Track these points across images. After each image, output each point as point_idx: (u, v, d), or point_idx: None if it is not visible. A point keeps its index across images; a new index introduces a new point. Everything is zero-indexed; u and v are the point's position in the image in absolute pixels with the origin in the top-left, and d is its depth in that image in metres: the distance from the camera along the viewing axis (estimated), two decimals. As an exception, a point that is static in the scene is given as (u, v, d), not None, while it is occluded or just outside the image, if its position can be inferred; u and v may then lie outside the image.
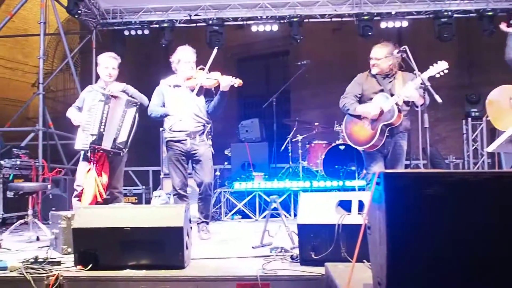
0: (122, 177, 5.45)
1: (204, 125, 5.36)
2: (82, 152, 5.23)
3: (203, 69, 5.35)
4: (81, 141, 5.08)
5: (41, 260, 3.70)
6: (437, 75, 4.81)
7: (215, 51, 5.37)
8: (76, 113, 5.23)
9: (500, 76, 5.83)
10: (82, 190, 5.02)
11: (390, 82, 5.08)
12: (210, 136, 5.42)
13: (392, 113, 4.89)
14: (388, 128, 4.96)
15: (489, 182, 2.25)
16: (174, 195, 5.44)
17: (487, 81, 9.75)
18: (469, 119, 9.99)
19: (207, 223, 5.48)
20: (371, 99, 5.06)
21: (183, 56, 5.32)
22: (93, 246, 3.56)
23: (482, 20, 9.18)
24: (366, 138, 5.04)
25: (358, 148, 5.22)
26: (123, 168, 5.44)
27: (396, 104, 4.88)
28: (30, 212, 5.64)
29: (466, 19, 9.60)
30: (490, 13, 9.08)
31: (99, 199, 4.96)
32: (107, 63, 5.32)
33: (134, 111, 5.16)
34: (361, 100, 5.16)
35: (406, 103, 4.97)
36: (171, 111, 5.31)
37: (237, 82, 5.12)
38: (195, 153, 5.30)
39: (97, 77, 5.48)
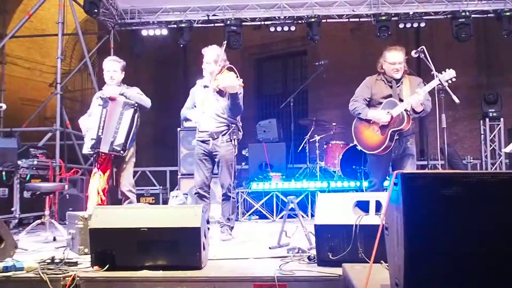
0: (131, 176, 5.49)
1: (228, 125, 5.33)
2: (93, 158, 5.36)
3: (231, 69, 5.33)
4: (85, 146, 5.27)
5: (58, 260, 3.71)
6: (445, 83, 4.82)
7: (224, 43, 5.37)
8: (83, 120, 5.40)
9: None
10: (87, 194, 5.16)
11: (398, 86, 5.15)
12: (235, 137, 5.36)
13: (401, 119, 4.97)
14: (397, 133, 5.05)
15: (507, 183, 2.23)
16: (195, 193, 5.45)
17: (505, 81, 9.67)
18: (487, 119, 9.87)
19: (230, 227, 5.43)
20: (380, 103, 5.14)
21: (205, 56, 5.35)
22: (109, 246, 3.57)
23: (500, 20, 9.11)
24: (376, 143, 5.11)
25: (368, 152, 5.24)
26: (131, 168, 5.47)
27: (405, 110, 4.96)
28: (47, 212, 5.68)
29: (484, 19, 9.53)
30: (507, 13, 9.01)
31: (100, 202, 5.06)
32: (108, 66, 5.41)
33: (131, 112, 5.22)
34: (370, 103, 5.22)
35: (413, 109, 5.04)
36: (194, 114, 5.38)
37: (239, 82, 5.04)
38: (216, 154, 5.31)
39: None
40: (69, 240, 4.64)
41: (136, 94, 5.39)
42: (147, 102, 5.42)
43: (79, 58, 10.42)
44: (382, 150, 5.06)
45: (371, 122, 5.14)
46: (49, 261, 3.70)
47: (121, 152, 5.18)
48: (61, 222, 5.98)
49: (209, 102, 5.31)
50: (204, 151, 5.34)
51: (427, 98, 4.97)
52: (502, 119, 9.74)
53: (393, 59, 5.12)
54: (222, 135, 5.30)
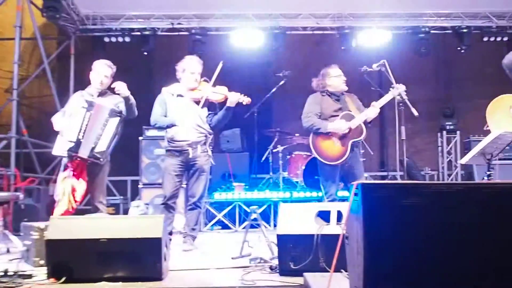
0: (105, 188, 5.33)
1: (206, 136, 5.32)
2: (63, 161, 5.12)
3: (206, 81, 5.33)
4: (59, 147, 4.98)
5: (11, 273, 3.60)
6: (398, 97, 5.03)
7: (220, 64, 5.32)
8: (60, 117, 5.11)
9: (474, 90, 5.97)
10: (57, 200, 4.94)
11: (343, 100, 5.46)
12: (211, 147, 5.39)
13: (360, 130, 5.26)
14: (355, 144, 5.33)
15: (462, 193, 2.31)
16: (161, 204, 5.34)
17: (461, 96, 9.98)
18: (444, 132, 10.23)
19: (193, 237, 5.38)
20: (331, 116, 5.36)
21: (189, 66, 5.30)
22: (67, 258, 3.50)
23: (458, 36, 9.42)
24: (337, 154, 5.29)
25: (329, 163, 5.34)
26: (105, 178, 5.32)
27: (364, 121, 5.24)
28: (0, 223, 5.46)
29: (442, 35, 9.80)
30: (465, 30, 9.33)
31: (70, 209, 4.88)
32: (101, 70, 5.25)
33: (117, 121, 5.08)
34: (320, 118, 5.41)
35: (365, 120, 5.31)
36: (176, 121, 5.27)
37: (246, 100, 5.16)
38: (194, 164, 5.26)
39: (87, 83, 5.37)
40: (24, 252, 4.50)
41: (131, 107, 5.24)
42: (135, 114, 5.29)
43: (38, 63, 10.10)
44: (343, 160, 5.26)
45: (330, 134, 5.31)
46: (2, 273, 3.58)
47: (101, 160, 5.01)
48: (15, 233, 5.79)
49: (188, 112, 5.25)
50: (180, 161, 5.25)
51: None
52: (458, 132, 10.10)
53: (338, 72, 5.49)
54: (201, 145, 5.27)
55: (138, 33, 9.44)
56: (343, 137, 5.29)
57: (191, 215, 5.37)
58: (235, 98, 5.11)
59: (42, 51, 9.04)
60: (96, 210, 5.14)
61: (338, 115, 5.36)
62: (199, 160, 5.24)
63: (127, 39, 9.43)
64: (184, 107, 5.27)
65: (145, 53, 9.40)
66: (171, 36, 9.77)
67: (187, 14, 9.44)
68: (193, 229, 5.37)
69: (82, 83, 5.74)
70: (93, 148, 4.94)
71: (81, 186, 4.97)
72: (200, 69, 5.35)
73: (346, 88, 5.49)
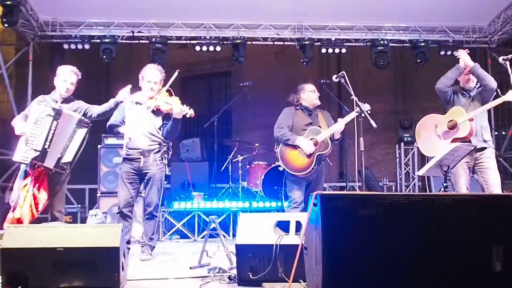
0: (64, 197, 5.27)
1: (160, 144, 5.32)
2: (22, 167, 5.01)
3: (169, 91, 5.35)
4: (22, 154, 4.85)
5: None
6: (362, 115, 5.14)
7: (175, 74, 5.37)
8: (21, 122, 5.00)
9: (430, 103, 6.14)
10: (12, 208, 4.81)
11: (315, 115, 5.72)
12: (166, 156, 5.39)
13: (326, 145, 5.46)
14: (320, 157, 5.49)
15: (419, 204, 2.36)
16: (117, 213, 5.33)
17: (419, 108, 10.22)
18: (402, 143, 10.39)
19: (151, 246, 5.38)
20: (302, 129, 5.58)
21: (146, 75, 5.32)
22: (23, 267, 3.43)
23: (415, 49, 9.64)
24: (303, 165, 5.43)
25: (293, 173, 5.49)
26: (65, 188, 5.27)
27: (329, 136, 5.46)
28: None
29: (400, 48, 10.04)
30: (422, 44, 9.54)
31: (30, 218, 4.76)
32: (67, 76, 5.19)
33: (84, 132, 5.03)
34: (292, 130, 5.62)
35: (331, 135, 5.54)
36: (127, 128, 5.29)
37: (189, 112, 5.16)
38: (147, 172, 5.25)
39: (46, 89, 5.25)
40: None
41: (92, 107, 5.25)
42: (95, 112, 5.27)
43: (-5, 69, 9.90)
44: (307, 172, 5.42)
45: (297, 147, 5.47)
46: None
47: (66, 170, 4.96)
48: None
49: (142, 120, 5.27)
50: (133, 169, 5.25)
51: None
52: (415, 144, 10.23)
53: (313, 88, 5.79)
54: (154, 153, 5.26)
55: (98, 40, 9.33)
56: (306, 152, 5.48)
57: (148, 225, 5.37)
58: (178, 109, 5.13)
59: (0, 57, 8.85)
60: (54, 219, 5.07)
61: (307, 129, 5.58)
62: (151, 168, 5.25)
63: (87, 46, 9.30)
64: (140, 115, 5.30)
65: (106, 61, 9.28)
66: (131, 44, 9.70)
67: (148, 22, 9.38)
68: (151, 239, 5.36)
69: (40, 89, 5.63)
70: (59, 159, 4.89)
71: (42, 195, 4.88)
72: (158, 77, 5.36)
73: (319, 103, 5.79)
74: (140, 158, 5.22)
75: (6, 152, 5.16)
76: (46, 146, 4.82)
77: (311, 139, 5.45)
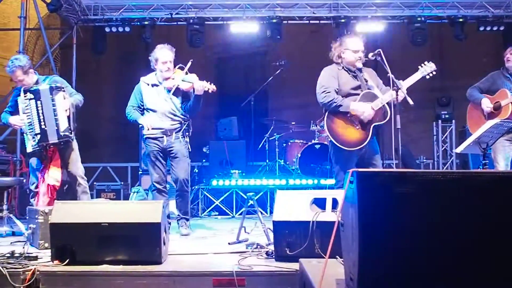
0: (80, 162, 5.42)
1: (181, 123, 5.41)
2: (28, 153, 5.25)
3: (182, 68, 5.39)
4: (29, 144, 5.10)
5: (18, 254, 3.68)
6: (427, 77, 4.79)
7: (189, 63, 5.40)
8: (11, 117, 5.21)
9: (468, 80, 6.04)
10: (38, 189, 5.05)
11: (363, 76, 4.85)
12: (187, 134, 5.48)
13: (384, 113, 4.66)
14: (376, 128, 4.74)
15: (456, 182, 2.35)
16: (153, 190, 5.47)
17: (456, 85, 10.01)
18: (439, 121, 10.23)
19: (187, 219, 5.52)
20: (348, 94, 4.74)
21: (160, 56, 5.33)
22: (70, 241, 3.58)
23: (453, 26, 9.43)
24: (358, 139, 4.69)
25: (346, 148, 4.68)
26: (78, 153, 5.41)
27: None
28: (5, 207, 5.54)
29: (438, 25, 9.83)
30: (461, 20, 9.35)
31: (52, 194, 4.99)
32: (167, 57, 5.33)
33: (62, 95, 5.12)
34: (338, 95, 4.76)
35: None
36: (139, 120, 5.36)
37: (211, 87, 5.18)
38: (171, 150, 5.36)
39: (89, 71, 5.43)
40: (29, 235, 4.62)
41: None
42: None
43: (42, 53, 10.18)
44: (362, 146, 4.69)
45: (349, 116, 4.69)
46: (8, 255, 3.67)
47: (70, 136, 5.12)
48: (21, 216, 5.87)
49: (162, 100, 5.36)
50: (158, 147, 5.36)
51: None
52: (453, 121, 10.10)
53: (357, 46, 4.83)
54: (176, 132, 5.37)
55: (138, 23, 9.48)
56: (363, 120, 4.69)
57: (180, 200, 5.49)
58: (200, 86, 5.16)
59: (46, 41, 9.13)
60: (78, 185, 5.28)
61: (357, 94, 4.74)
62: (174, 146, 5.35)
63: (127, 29, 9.47)
64: (159, 96, 5.37)
65: (145, 43, 9.43)
66: (170, 26, 9.82)
67: (185, 4, 9.46)
68: (186, 212, 5.51)
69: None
70: (57, 130, 5.03)
71: (53, 170, 5.10)
72: (172, 56, 5.37)
73: (360, 66, 4.85)
74: (163, 137, 5.34)
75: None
76: (43, 126, 5.01)
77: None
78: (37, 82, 5.27)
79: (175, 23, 9.70)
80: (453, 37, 9.50)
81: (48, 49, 9.23)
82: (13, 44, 9.45)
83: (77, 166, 5.34)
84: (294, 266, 3.40)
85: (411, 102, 4.58)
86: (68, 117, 5.12)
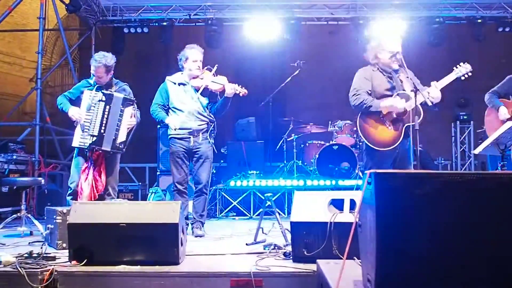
0: (118, 174, 5.46)
1: (207, 124, 5.42)
2: (76, 150, 5.23)
3: (209, 69, 5.40)
4: (79, 140, 5.06)
5: (36, 255, 3.71)
6: (462, 78, 4.83)
7: (215, 67, 5.39)
8: (73, 107, 5.13)
9: (487, 81, 5.98)
10: (79, 189, 5.04)
11: (398, 77, 4.80)
12: (213, 135, 5.48)
13: (418, 114, 4.49)
14: (408, 128, 4.68)
15: (474, 183, 2.32)
16: (173, 190, 5.46)
17: (475, 86, 9.90)
18: (458, 122, 10.19)
19: (202, 223, 5.47)
20: (383, 96, 4.73)
21: (191, 55, 5.36)
22: (88, 241, 3.59)
23: (472, 27, 9.34)
24: (390, 139, 4.69)
25: (378, 149, 4.70)
26: (118, 166, 5.46)
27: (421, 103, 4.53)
28: (23, 206, 5.58)
29: (457, 25, 9.75)
30: (479, 20, 9.28)
31: (92, 199, 4.99)
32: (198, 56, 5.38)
33: (131, 109, 5.17)
34: (372, 96, 4.78)
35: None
36: (166, 120, 5.35)
37: (242, 91, 5.21)
38: (197, 151, 5.36)
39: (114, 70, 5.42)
40: (47, 235, 4.65)
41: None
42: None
43: (60, 53, 10.35)
44: (393, 147, 4.67)
45: (381, 116, 4.71)
46: (26, 255, 3.69)
47: (123, 150, 5.16)
48: (40, 217, 5.92)
49: (190, 100, 5.35)
50: (184, 148, 5.35)
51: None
52: (472, 122, 10.04)
53: (394, 47, 4.74)
54: (203, 133, 5.36)
55: (156, 24, 9.55)
56: (396, 121, 4.68)
57: (198, 202, 5.46)
58: (231, 89, 5.18)
59: (65, 42, 9.25)
60: (108, 194, 5.27)
61: (391, 95, 4.71)
62: (201, 147, 5.35)
63: (145, 30, 9.54)
64: (187, 95, 5.37)
65: (163, 44, 9.48)
66: (188, 27, 9.86)
67: (203, 4, 9.51)
68: (201, 215, 5.47)
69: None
70: (114, 140, 5.07)
71: (102, 177, 5.10)
72: (201, 57, 5.40)
73: (396, 68, 4.78)
74: (190, 137, 5.33)
75: (71, 132, 5.38)
76: (102, 131, 5.02)
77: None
78: (110, 84, 5.30)
79: (194, 24, 9.76)
80: (471, 38, 9.43)
81: (67, 50, 9.35)
82: (32, 45, 9.62)
83: (114, 178, 5.37)
84: (311, 267, 3.39)
85: (429, 102, 4.55)
86: (128, 133, 5.18)
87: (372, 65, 4.87)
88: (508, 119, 5.31)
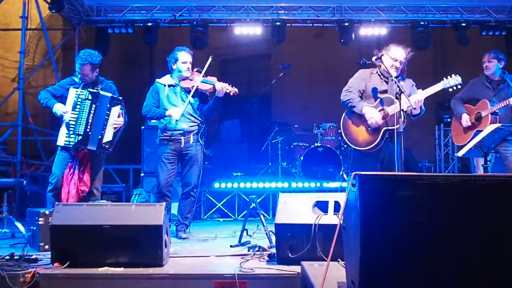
0: (102, 175, 5.40)
1: (198, 125, 5.39)
2: (59, 149, 5.14)
3: (199, 71, 5.38)
4: (64, 138, 4.99)
5: (17, 257, 3.66)
6: (450, 90, 5.00)
7: (210, 59, 5.37)
8: (59, 104, 5.04)
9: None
10: (61, 186, 4.99)
11: (391, 83, 4.88)
12: (203, 137, 5.44)
13: (397, 119, 4.61)
14: (388, 132, 4.83)
15: (457, 185, 2.34)
16: (156, 193, 5.42)
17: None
18: (442, 124, 10.27)
19: (187, 225, 5.44)
20: (373, 97, 4.93)
21: (181, 57, 5.33)
22: (71, 243, 3.56)
23: (457, 30, 9.46)
24: (365, 140, 4.90)
25: (355, 147, 4.97)
26: (103, 166, 5.41)
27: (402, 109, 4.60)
28: (5, 208, 5.47)
29: (441, 29, 9.86)
30: (463, 24, 9.39)
31: (76, 199, 4.93)
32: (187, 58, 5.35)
33: (118, 109, 5.12)
34: (363, 96, 5.00)
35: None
36: (166, 112, 5.27)
37: (233, 90, 5.19)
38: (187, 153, 5.32)
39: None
40: (29, 237, 4.60)
41: None
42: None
43: (43, 53, 10.22)
44: (371, 147, 4.85)
45: (363, 118, 4.89)
46: (8, 257, 3.64)
47: (109, 150, 5.09)
48: (22, 218, 5.85)
49: (180, 100, 5.32)
50: (173, 150, 5.31)
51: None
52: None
53: (397, 55, 4.94)
54: (194, 134, 5.34)
55: (141, 24, 9.50)
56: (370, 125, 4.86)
57: (184, 204, 5.43)
58: (221, 88, 5.17)
59: (48, 42, 9.15)
60: (92, 195, 5.20)
61: (380, 98, 4.91)
62: (191, 149, 5.32)
63: (130, 30, 9.49)
64: (177, 97, 5.34)
65: (147, 44, 9.44)
66: (173, 28, 9.84)
67: (189, 5, 9.48)
68: (186, 218, 5.42)
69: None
70: (100, 140, 4.99)
71: (86, 177, 5.04)
72: (191, 59, 5.39)
73: (394, 75, 4.82)
74: (180, 139, 5.29)
75: (53, 132, 5.35)
76: (88, 130, 4.94)
77: (380, 110, 4.85)
78: (96, 82, 5.22)
79: (179, 24, 9.72)
80: (456, 42, 9.52)
81: (50, 50, 9.24)
82: (14, 45, 9.50)
83: (99, 179, 5.31)
84: (296, 269, 3.39)
85: (413, 105, 4.65)
86: (115, 133, 5.12)
87: (374, 67, 5.09)
88: (469, 127, 5.51)
